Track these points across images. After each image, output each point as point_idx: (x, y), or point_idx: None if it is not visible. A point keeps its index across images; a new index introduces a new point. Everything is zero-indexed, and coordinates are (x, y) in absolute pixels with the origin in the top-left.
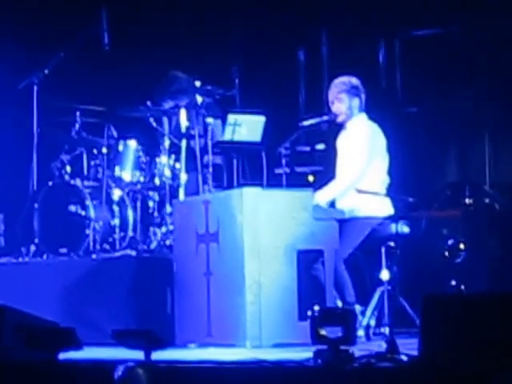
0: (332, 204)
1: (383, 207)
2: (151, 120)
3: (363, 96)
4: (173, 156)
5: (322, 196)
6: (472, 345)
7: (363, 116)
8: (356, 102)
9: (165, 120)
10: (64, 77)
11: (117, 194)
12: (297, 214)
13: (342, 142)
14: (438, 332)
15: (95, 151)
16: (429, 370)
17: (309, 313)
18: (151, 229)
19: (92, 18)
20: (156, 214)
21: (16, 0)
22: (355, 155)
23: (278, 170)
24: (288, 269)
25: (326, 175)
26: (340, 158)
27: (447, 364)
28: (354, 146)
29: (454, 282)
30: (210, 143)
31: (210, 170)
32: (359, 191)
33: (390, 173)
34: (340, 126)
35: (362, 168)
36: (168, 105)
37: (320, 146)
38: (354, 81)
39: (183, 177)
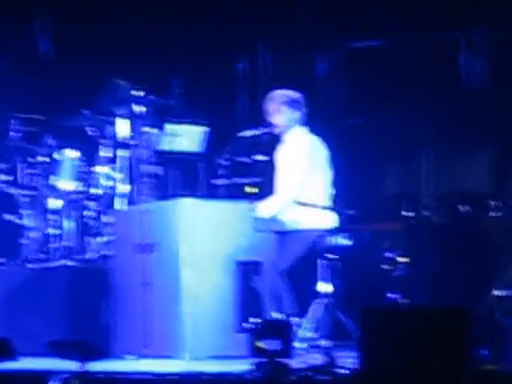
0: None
1: (324, 219)
2: (89, 129)
3: (304, 110)
4: (111, 165)
5: (263, 211)
6: (411, 358)
7: (302, 129)
8: (295, 115)
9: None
10: (1, 84)
11: (53, 203)
12: (235, 224)
13: (280, 155)
14: (377, 345)
15: (32, 160)
16: (367, 383)
17: (245, 325)
18: (88, 239)
19: (29, 24)
20: (93, 223)
21: None
22: (293, 168)
23: (217, 181)
24: (226, 280)
25: (265, 187)
26: (278, 172)
27: (385, 377)
28: (291, 159)
29: (392, 296)
30: (147, 153)
31: (148, 180)
32: (299, 203)
33: (335, 185)
34: (280, 138)
35: (300, 181)
36: (107, 113)
37: (260, 157)
38: (294, 94)
39: (120, 187)
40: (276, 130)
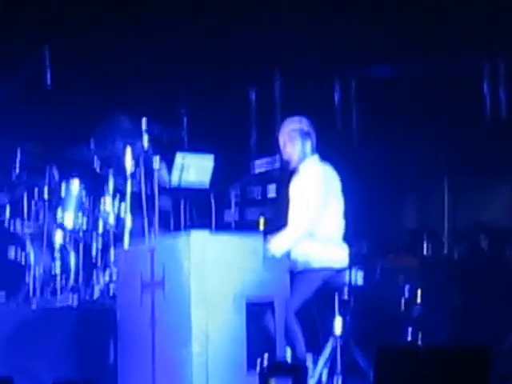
0: None
1: (338, 256)
2: (95, 162)
3: (314, 137)
4: (117, 200)
5: (277, 246)
6: None
7: (315, 158)
8: (308, 144)
9: (111, 162)
10: (4, 115)
11: (58, 238)
12: (247, 260)
13: (295, 187)
14: None
15: (36, 193)
16: None
17: (257, 364)
18: (94, 276)
19: (34, 55)
20: (99, 260)
21: None
22: (309, 200)
23: (228, 215)
24: (236, 318)
25: (277, 220)
26: (293, 204)
27: None
28: (307, 190)
29: (410, 334)
30: (156, 187)
31: (157, 214)
32: (314, 237)
33: (346, 216)
34: (292, 169)
35: (318, 213)
36: (113, 147)
37: (271, 194)
38: (305, 122)
39: (128, 222)
40: (291, 165)
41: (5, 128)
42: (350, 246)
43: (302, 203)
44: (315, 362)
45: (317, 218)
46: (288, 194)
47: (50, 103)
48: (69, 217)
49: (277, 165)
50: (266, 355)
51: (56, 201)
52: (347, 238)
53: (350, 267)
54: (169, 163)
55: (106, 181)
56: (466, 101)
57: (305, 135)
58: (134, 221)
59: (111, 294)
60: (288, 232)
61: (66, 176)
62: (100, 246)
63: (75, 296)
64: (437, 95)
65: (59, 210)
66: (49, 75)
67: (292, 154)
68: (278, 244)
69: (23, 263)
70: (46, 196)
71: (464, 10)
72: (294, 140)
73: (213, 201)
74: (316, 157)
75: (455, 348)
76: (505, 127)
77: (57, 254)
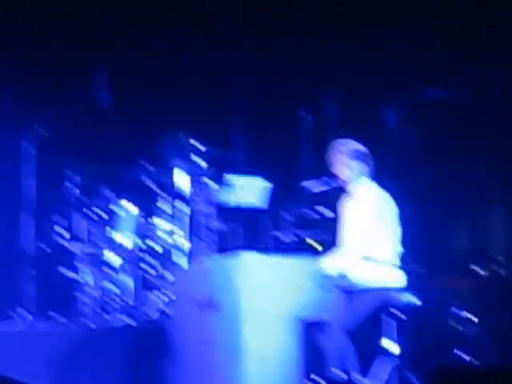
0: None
1: (393, 277)
2: (151, 183)
3: (370, 161)
4: (170, 219)
5: (332, 266)
6: None
7: (371, 184)
8: (364, 169)
9: (165, 182)
10: (63, 137)
11: (115, 259)
12: (299, 281)
13: (349, 209)
14: None
15: (92, 214)
16: None
17: None
18: (148, 296)
19: (91, 77)
20: (153, 280)
21: (16, 57)
22: (364, 223)
23: (280, 235)
24: (289, 339)
25: (330, 241)
26: (346, 226)
27: None
28: (360, 214)
29: (465, 356)
30: (208, 207)
31: (210, 234)
32: (369, 259)
33: (403, 242)
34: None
35: (369, 237)
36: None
37: (324, 211)
38: (362, 147)
39: (180, 241)
40: (343, 184)
41: (63, 149)
42: (406, 270)
43: (354, 226)
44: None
45: (368, 242)
46: (339, 214)
47: (108, 124)
48: (125, 237)
49: (331, 185)
50: (318, 376)
51: (112, 221)
52: (404, 259)
53: (406, 288)
54: (224, 184)
55: (163, 201)
56: None
57: (362, 159)
58: (191, 241)
59: (165, 313)
60: (341, 254)
61: (123, 196)
62: (157, 266)
63: (129, 315)
64: (489, 117)
65: (115, 231)
66: (104, 95)
67: (347, 176)
68: (333, 265)
69: (76, 281)
70: (98, 215)
71: None
72: (351, 162)
73: (264, 221)
74: (373, 183)
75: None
76: None
77: (114, 274)
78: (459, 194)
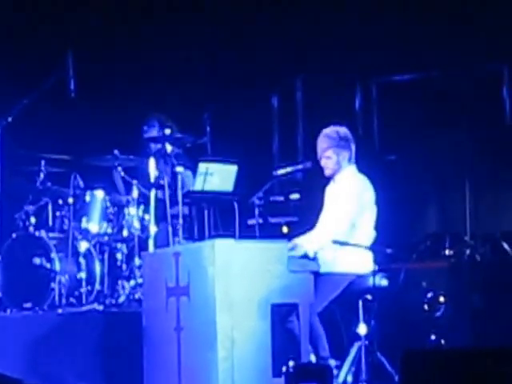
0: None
1: (362, 261)
2: (119, 169)
3: (353, 146)
4: (142, 207)
5: (310, 245)
6: None
7: (352, 168)
8: (345, 154)
9: (136, 169)
10: (28, 124)
11: (83, 246)
12: (271, 266)
13: (330, 194)
14: None
15: (61, 202)
16: None
17: (283, 369)
18: (119, 282)
19: (58, 63)
20: (124, 266)
21: None
22: (343, 209)
23: (251, 221)
24: (262, 323)
25: (300, 226)
26: (326, 209)
27: None
28: (342, 199)
29: (433, 337)
30: (180, 193)
31: (181, 221)
32: (340, 243)
33: (376, 226)
34: (317, 176)
35: (347, 225)
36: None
37: (294, 196)
38: (342, 132)
39: (152, 228)
40: (326, 173)
41: (29, 137)
42: (374, 252)
43: (334, 211)
44: (339, 366)
45: (345, 230)
46: (323, 199)
47: (74, 111)
48: (93, 224)
49: (299, 167)
50: (291, 359)
51: (81, 209)
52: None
53: (374, 271)
54: (192, 170)
55: (130, 187)
56: (487, 104)
57: (342, 146)
58: (158, 227)
59: (137, 298)
60: (316, 235)
61: (91, 184)
62: (125, 252)
63: (101, 301)
64: (458, 99)
65: (84, 218)
66: (73, 83)
67: (328, 166)
68: (311, 245)
69: (49, 269)
70: (70, 204)
71: (485, 19)
72: (330, 153)
73: (236, 207)
74: (353, 167)
75: (481, 350)
76: None
77: (82, 261)
78: (427, 176)
